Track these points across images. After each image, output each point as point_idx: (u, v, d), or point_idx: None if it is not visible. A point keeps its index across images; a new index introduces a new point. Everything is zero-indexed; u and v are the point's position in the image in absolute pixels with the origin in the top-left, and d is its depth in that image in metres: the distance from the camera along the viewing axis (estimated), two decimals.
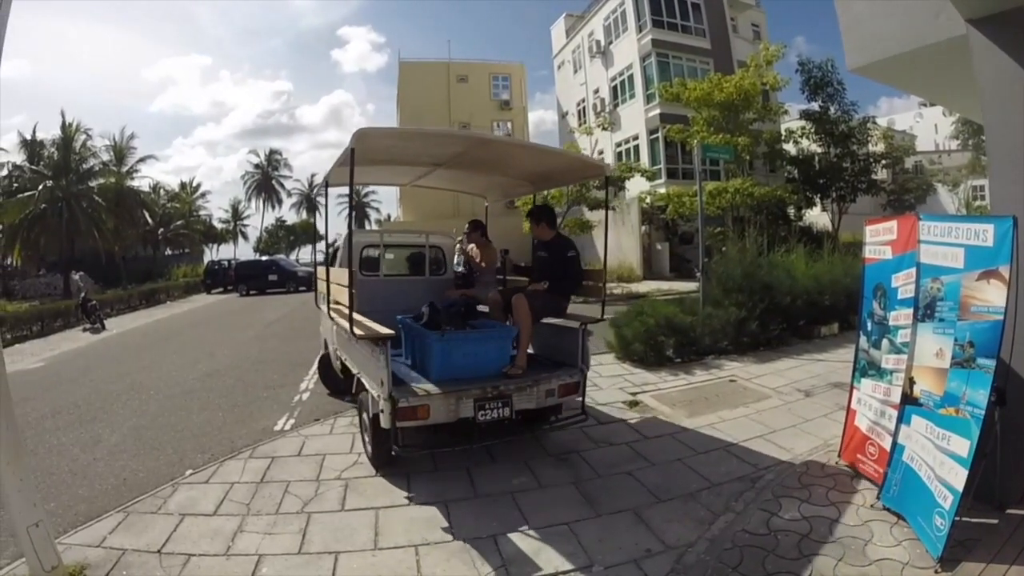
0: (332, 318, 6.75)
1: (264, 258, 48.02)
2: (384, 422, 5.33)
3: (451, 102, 45.30)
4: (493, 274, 8.05)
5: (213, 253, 71.17)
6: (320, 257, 11.17)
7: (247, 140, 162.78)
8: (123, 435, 8.38)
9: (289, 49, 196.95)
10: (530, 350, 6.49)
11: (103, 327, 22.46)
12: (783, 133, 28.16)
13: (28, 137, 43.93)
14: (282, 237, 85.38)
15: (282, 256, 60.94)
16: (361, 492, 5.65)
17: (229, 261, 46.42)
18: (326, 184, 8.10)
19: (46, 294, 40.37)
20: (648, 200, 29.12)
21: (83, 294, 24.07)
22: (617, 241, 29.97)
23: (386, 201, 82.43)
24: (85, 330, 22.27)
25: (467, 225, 8.60)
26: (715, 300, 10.83)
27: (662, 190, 27.55)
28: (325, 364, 9.44)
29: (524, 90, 48.38)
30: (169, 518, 5.53)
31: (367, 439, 6.32)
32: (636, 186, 28.86)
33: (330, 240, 10.79)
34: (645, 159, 32.03)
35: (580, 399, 6.27)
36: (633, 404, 7.83)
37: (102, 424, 9.01)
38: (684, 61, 32.95)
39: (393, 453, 5.64)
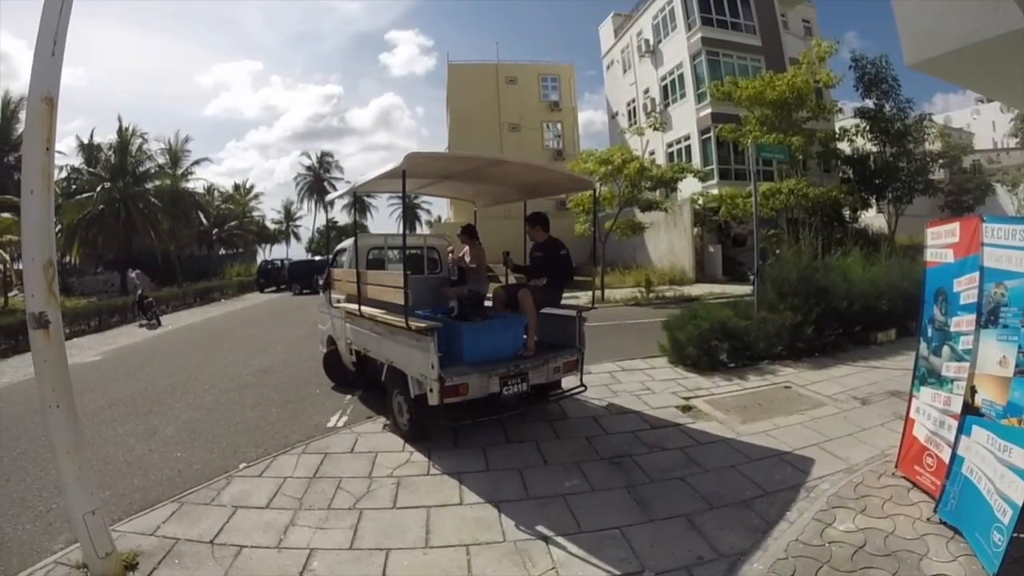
0: (361, 314, 7.83)
1: (317, 258, 48.62)
2: (432, 399, 6.28)
3: (500, 104, 45.37)
4: (482, 271, 9.08)
5: (266, 253, 72.81)
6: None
7: (298, 143, 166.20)
8: (178, 428, 8.65)
9: (338, 53, 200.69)
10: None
11: (159, 323, 23.09)
12: (837, 132, 27.30)
13: (85, 141, 45.81)
14: (334, 238, 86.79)
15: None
16: (413, 490, 5.72)
17: (282, 261, 47.26)
18: (354, 195, 9.33)
19: (103, 291, 41.94)
20: (700, 201, 28.69)
21: (139, 291, 24.71)
22: (669, 243, 29.62)
23: (436, 203, 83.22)
24: (141, 326, 22.91)
25: (460, 229, 9.53)
26: (770, 304, 10.64)
27: (714, 191, 27.09)
28: (330, 361, 10.39)
29: (573, 91, 48.22)
30: (222, 510, 5.67)
31: (403, 416, 7.29)
32: (688, 187, 28.48)
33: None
34: (697, 159, 31.57)
35: (579, 374, 7.55)
36: (686, 409, 7.75)
37: (158, 416, 9.32)
38: (735, 59, 32.38)
39: (441, 424, 6.68)
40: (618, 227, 22.65)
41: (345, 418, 8.39)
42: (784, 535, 4.45)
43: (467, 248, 9.17)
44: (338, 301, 9.51)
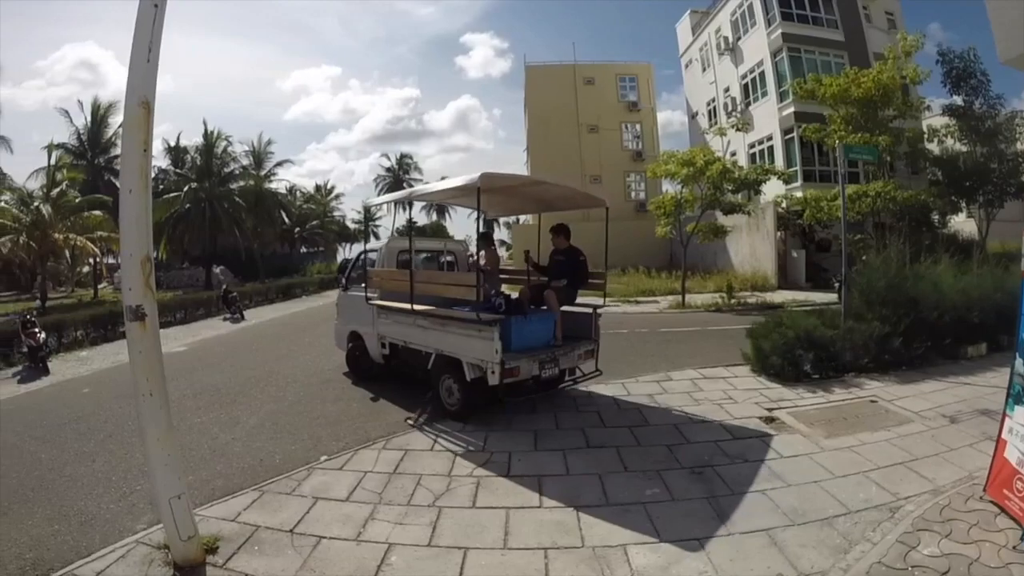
0: (413, 310, 8.86)
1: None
2: (493, 380, 7.53)
3: (578, 105, 44.87)
4: (495, 273, 10.41)
5: (346, 252, 74.38)
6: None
7: (377, 145, 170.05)
8: (260, 418, 8.98)
9: (415, 57, 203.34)
10: None
11: (242, 317, 23.83)
12: (925, 131, 25.89)
13: (172, 144, 49.01)
14: (414, 238, 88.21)
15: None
16: (493, 491, 5.81)
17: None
18: (409, 202, 10.68)
19: (188, 285, 44.04)
20: (784, 204, 27.66)
21: (224, 286, 25.53)
22: (751, 247, 28.82)
23: None
24: (225, 319, 23.71)
25: (478, 237, 10.68)
26: (857, 313, 10.26)
27: (798, 194, 26.07)
28: (355, 356, 11.23)
29: (652, 91, 47.28)
30: (303, 500, 5.87)
31: (451, 397, 8.44)
32: (771, 190, 27.55)
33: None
34: (780, 160, 30.54)
35: (595, 360, 8.94)
36: (769, 420, 7.61)
37: (240, 407, 9.71)
38: (817, 55, 31.15)
39: (502, 398, 7.87)
40: (700, 230, 22.16)
41: (426, 415, 8.56)
42: (866, 556, 4.36)
43: (483, 252, 10.27)
44: (370, 299, 10.27)
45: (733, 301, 20.83)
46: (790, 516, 5.00)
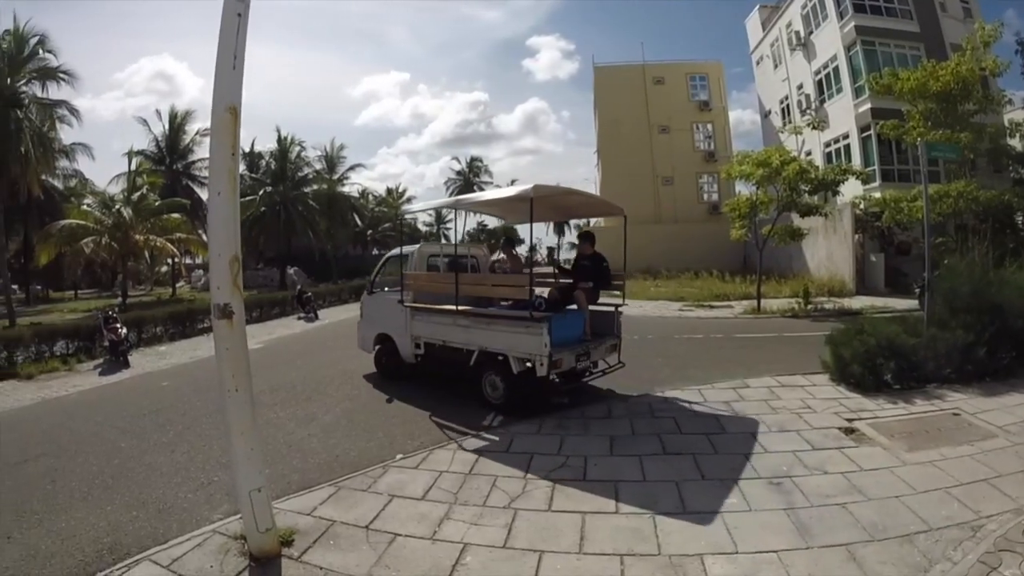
0: (457, 310, 9.60)
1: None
2: (542, 371, 8.40)
3: (649, 105, 44.38)
4: (516, 274, 11.17)
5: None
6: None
7: (447, 149, 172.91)
8: (336, 416, 9.28)
9: (482, 61, 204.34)
10: None
11: (316, 317, 24.49)
12: (1007, 126, 24.27)
13: (247, 149, 51.07)
14: (483, 240, 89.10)
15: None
16: (568, 495, 5.85)
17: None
18: (455, 208, 11.10)
19: (263, 285, 45.70)
20: (862, 206, 26.38)
21: (299, 286, 26.15)
22: (828, 251, 27.85)
23: None
24: (300, 319, 24.39)
25: (502, 241, 12.35)
26: (940, 321, 9.82)
27: (876, 194, 24.86)
28: (383, 357, 11.78)
29: (723, 89, 46.49)
30: (378, 497, 6.02)
31: (495, 391, 9.29)
32: (849, 190, 26.33)
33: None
34: (857, 159, 29.43)
35: (618, 353, 10.01)
36: (849, 431, 7.43)
37: (316, 404, 10.05)
38: (892, 48, 29.91)
39: (551, 389, 9.13)
40: (776, 233, 21.65)
41: (500, 417, 8.70)
42: (946, 575, 4.29)
43: (504, 255, 11.33)
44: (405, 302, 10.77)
45: (810, 307, 20.27)
46: (870, 531, 4.92)
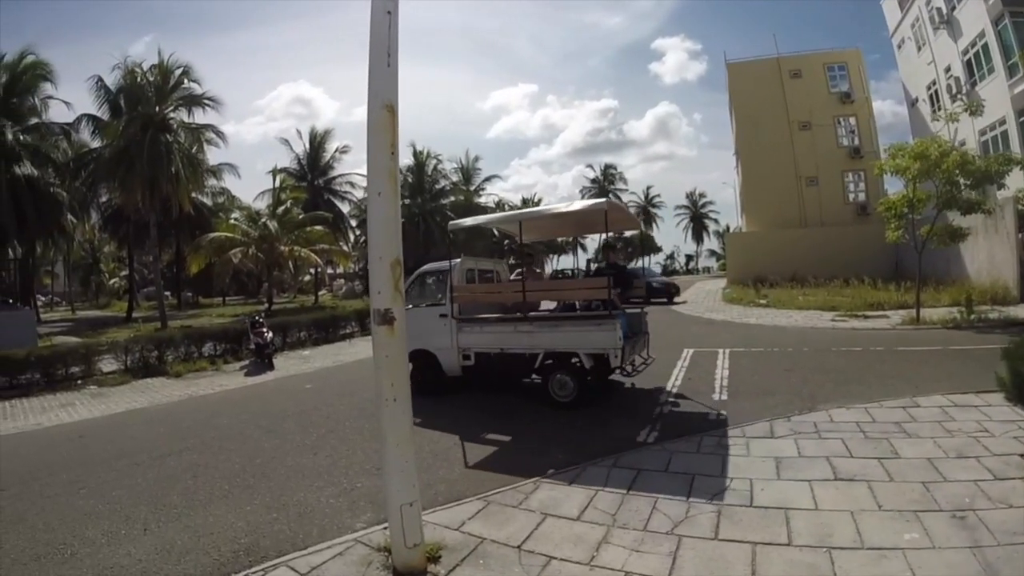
0: (525, 318, 10.28)
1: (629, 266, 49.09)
2: (615, 362, 9.50)
3: (787, 100, 42.21)
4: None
5: (553, 263, 76.55)
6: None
7: (579, 158, 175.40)
8: (484, 424, 9.29)
9: (609, 67, 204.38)
10: None
11: None
12: None
13: None
14: (620, 248, 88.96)
15: (643, 266, 63.53)
16: (736, 522, 5.48)
17: (573, 270, 48.91)
18: (495, 230, 12.94)
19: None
20: None
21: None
22: (989, 253, 24.63)
23: (724, 212, 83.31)
24: None
25: (524, 257, 12.90)
26: None
27: None
28: (423, 371, 11.55)
29: (864, 78, 43.31)
30: (530, 515, 5.82)
31: (563, 391, 10.13)
32: (1012, 183, 23.69)
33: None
34: (1015, 147, 26.35)
35: (647, 348, 11.46)
36: None
37: (461, 411, 10.16)
38: None
39: (624, 371, 10.06)
40: (935, 234, 19.59)
41: (655, 433, 8.41)
42: None
43: (526, 271, 12.13)
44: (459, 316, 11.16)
45: (972, 316, 18.52)
46: None
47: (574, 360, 9.99)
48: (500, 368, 10.87)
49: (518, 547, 5.16)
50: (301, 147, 54.15)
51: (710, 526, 5.39)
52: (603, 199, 9.43)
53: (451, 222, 13.92)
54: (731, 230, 61.87)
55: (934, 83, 35.48)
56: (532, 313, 10.47)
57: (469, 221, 13.38)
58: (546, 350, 10.11)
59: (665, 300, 32.74)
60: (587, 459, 7.32)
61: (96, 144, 34.12)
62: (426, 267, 12.79)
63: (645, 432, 8.43)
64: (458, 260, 11.95)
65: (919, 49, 37.07)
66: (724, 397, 10.22)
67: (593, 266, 34.85)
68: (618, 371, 10.01)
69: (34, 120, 34.34)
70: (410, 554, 4.85)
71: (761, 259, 38.18)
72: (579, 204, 11.25)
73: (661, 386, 11.25)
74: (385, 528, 5.41)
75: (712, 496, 6.02)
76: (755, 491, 6.10)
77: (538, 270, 12.80)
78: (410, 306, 11.70)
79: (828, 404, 9.02)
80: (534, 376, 10.89)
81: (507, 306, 11.23)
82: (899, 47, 41.14)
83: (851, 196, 41.70)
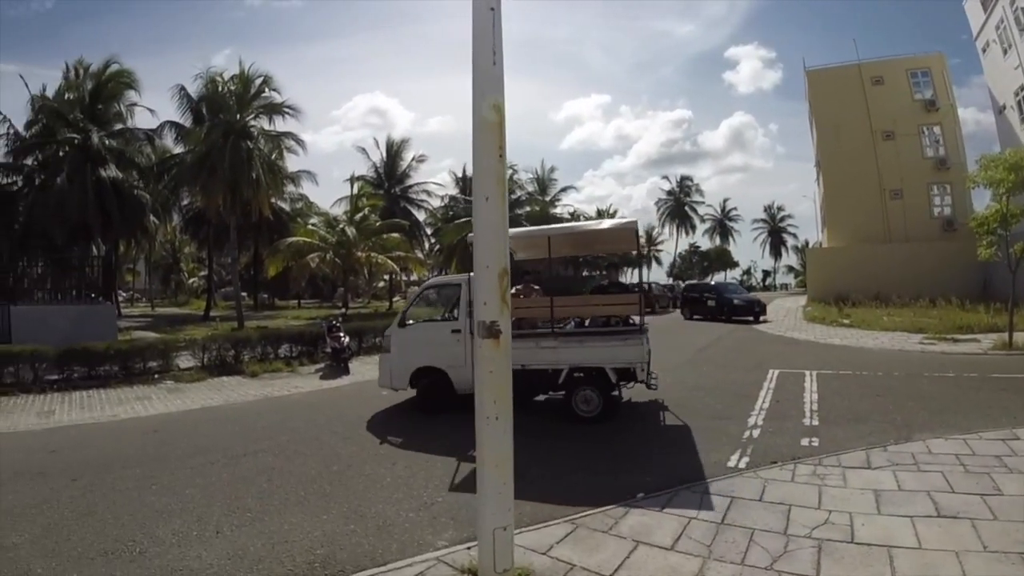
0: (553, 332, 10.57)
1: (712, 282, 47.96)
2: (641, 376, 10.07)
3: (869, 108, 40.54)
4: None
5: (626, 276, 76.32)
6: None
7: (653, 169, 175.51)
8: (558, 444, 9.11)
9: (682, 77, 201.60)
10: None
11: None
12: None
13: (459, 175, 57.00)
14: (695, 263, 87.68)
15: (729, 281, 62.97)
16: (837, 558, 5.17)
17: (649, 284, 48.59)
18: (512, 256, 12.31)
19: None
20: None
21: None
22: None
23: (804, 226, 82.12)
24: None
25: (524, 277, 13.07)
26: None
27: None
28: (430, 393, 11.57)
29: (948, 84, 41.37)
30: (621, 542, 5.58)
31: (588, 406, 10.39)
32: None
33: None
34: None
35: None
36: None
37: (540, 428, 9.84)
38: None
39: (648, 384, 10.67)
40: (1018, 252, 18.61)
41: (747, 459, 8.14)
42: None
43: (524, 284, 12.42)
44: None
45: None
46: None
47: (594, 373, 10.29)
48: (519, 385, 10.62)
49: None
50: (378, 156, 55.30)
51: (811, 562, 5.09)
52: (632, 219, 9.89)
53: (469, 234, 13.91)
54: (811, 245, 60.15)
55: (1023, 88, 33.60)
56: (560, 330, 10.68)
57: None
58: (571, 365, 10.28)
59: (751, 319, 31.31)
60: (678, 483, 7.12)
61: (178, 149, 36.20)
62: (432, 280, 13.10)
63: (736, 457, 8.17)
64: (467, 275, 11.64)
65: (1005, 53, 34.98)
66: (815, 423, 9.89)
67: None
68: (640, 384, 10.44)
69: (119, 126, 36.18)
70: None
71: (843, 276, 37.10)
72: (608, 223, 12.21)
73: (748, 409, 11.00)
74: (468, 548, 5.36)
75: (811, 530, 5.70)
76: (855, 526, 5.77)
77: (536, 287, 12.75)
78: (411, 322, 12.16)
79: (924, 433, 8.64)
80: (551, 393, 11.09)
81: (520, 321, 10.78)
82: (984, 50, 38.82)
83: (936, 210, 39.91)
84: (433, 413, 11.23)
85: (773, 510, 6.22)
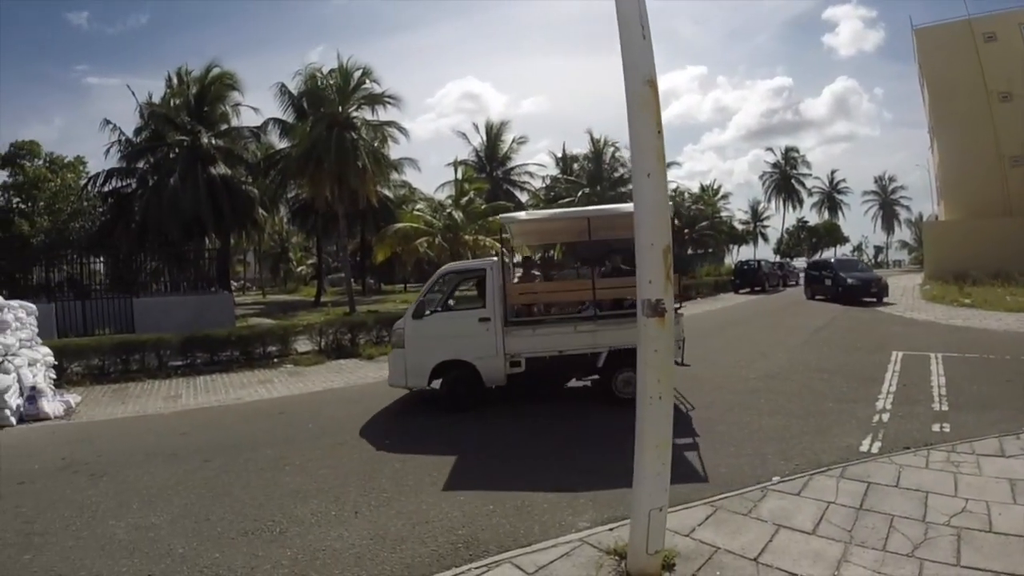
0: (596, 315, 10.57)
1: (833, 259, 46.01)
2: (678, 356, 9.75)
3: (983, 68, 37.41)
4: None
5: (734, 254, 74.87)
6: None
7: (754, 141, 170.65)
8: (687, 427, 9.08)
9: (778, 43, 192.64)
10: None
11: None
12: None
13: (559, 155, 57.71)
14: (804, 239, 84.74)
15: (850, 257, 60.84)
16: (977, 548, 5.12)
17: (759, 262, 47.56)
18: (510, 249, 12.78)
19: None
20: None
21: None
22: None
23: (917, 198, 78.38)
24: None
25: (523, 260, 13.66)
26: None
27: None
28: (458, 386, 10.86)
29: None
30: (762, 525, 5.62)
31: (628, 387, 9.58)
32: None
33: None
34: None
35: None
36: None
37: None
38: None
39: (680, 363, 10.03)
40: None
41: (879, 443, 8.08)
42: None
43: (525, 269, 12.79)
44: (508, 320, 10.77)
45: None
46: None
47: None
48: (555, 372, 10.99)
49: (755, 560, 5.00)
50: (478, 139, 56.20)
51: (951, 551, 5.06)
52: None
53: (503, 214, 13.82)
54: (925, 218, 57.08)
55: None
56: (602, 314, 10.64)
57: (523, 215, 13.52)
58: (609, 347, 10.27)
59: (874, 300, 28.53)
60: (812, 467, 7.12)
61: (282, 145, 37.90)
62: (450, 266, 12.55)
63: (867, 441, 8.12)
64: (492, 259, 11.93)
65: None
66: (944, 408, 9.68)
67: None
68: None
69: (225, 126, 38.26)
70: (649, 561, 4.70)
71: (961, 252, 34.81)
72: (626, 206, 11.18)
73: (875, 392, 10.83)
74: (610, 529, 5.52)
75: (949, 518, 5.66)
76: (992, 515, 5.68)
77: (536, 272, 12.83)
78: (428, 312, 11.03)
79: None
80: (580, 379, 11.51)
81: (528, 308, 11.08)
82: None
83: None
84: (463, 411, 10.64)
85: (910, 497, 6.17)
